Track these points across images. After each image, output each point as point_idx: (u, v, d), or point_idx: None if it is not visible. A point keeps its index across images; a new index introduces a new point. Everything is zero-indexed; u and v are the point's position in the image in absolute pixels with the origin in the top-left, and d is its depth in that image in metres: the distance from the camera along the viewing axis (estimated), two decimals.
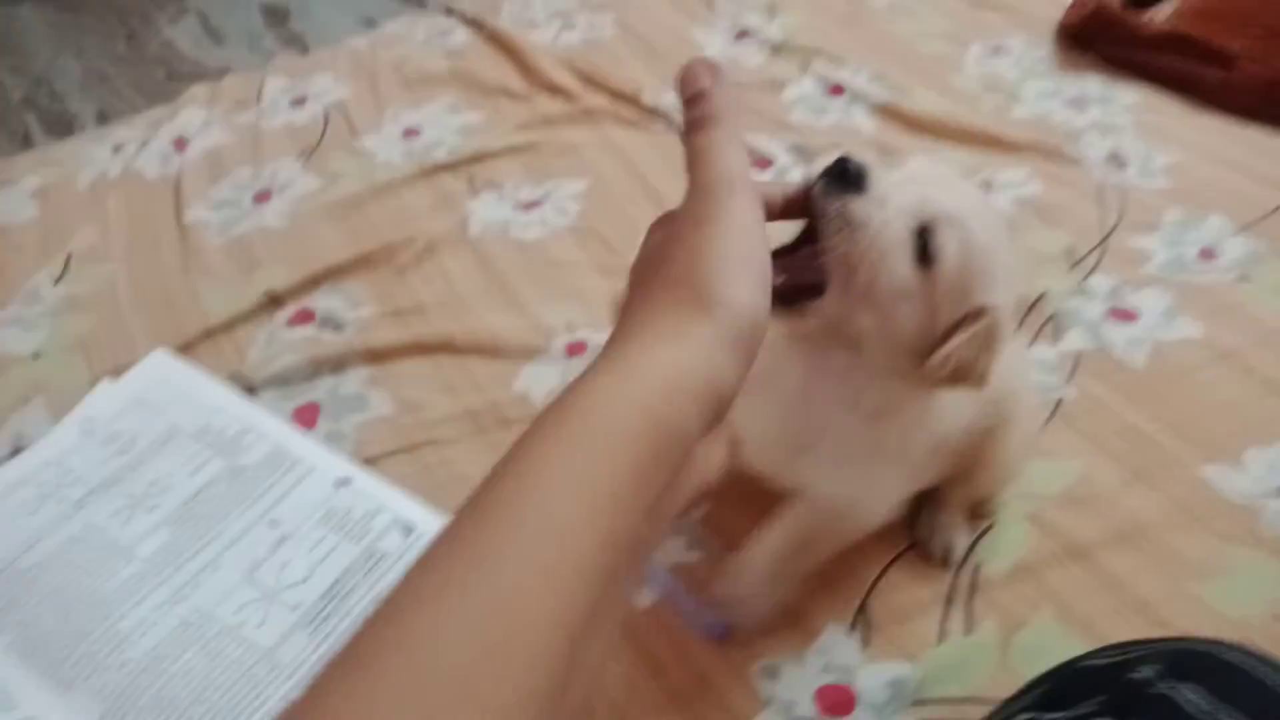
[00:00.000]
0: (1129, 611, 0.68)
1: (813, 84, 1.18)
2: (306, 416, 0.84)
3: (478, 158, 1.09)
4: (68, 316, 0.93)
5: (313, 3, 2.92)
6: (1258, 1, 1.14)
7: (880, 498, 0.63)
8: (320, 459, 0.77)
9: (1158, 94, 1.14)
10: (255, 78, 1.24)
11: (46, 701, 0.62)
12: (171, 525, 0.72)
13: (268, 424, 0.80)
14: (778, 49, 1.24)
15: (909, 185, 0.51)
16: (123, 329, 0.91)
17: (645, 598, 0.70)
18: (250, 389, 0.85)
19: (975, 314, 0.51)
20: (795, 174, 1.05)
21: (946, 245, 0.50)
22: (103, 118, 2.48)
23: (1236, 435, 0.79)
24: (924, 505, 0.72)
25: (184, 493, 0.74)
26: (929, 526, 0.73)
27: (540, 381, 0.86)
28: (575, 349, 0.88)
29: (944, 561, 0.72)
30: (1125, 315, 0.89)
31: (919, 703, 0.65)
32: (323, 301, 0.94)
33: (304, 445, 0.78)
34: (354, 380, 0.87)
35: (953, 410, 0.61)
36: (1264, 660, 0.44)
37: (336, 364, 0.87)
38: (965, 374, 0.52)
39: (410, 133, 1.14)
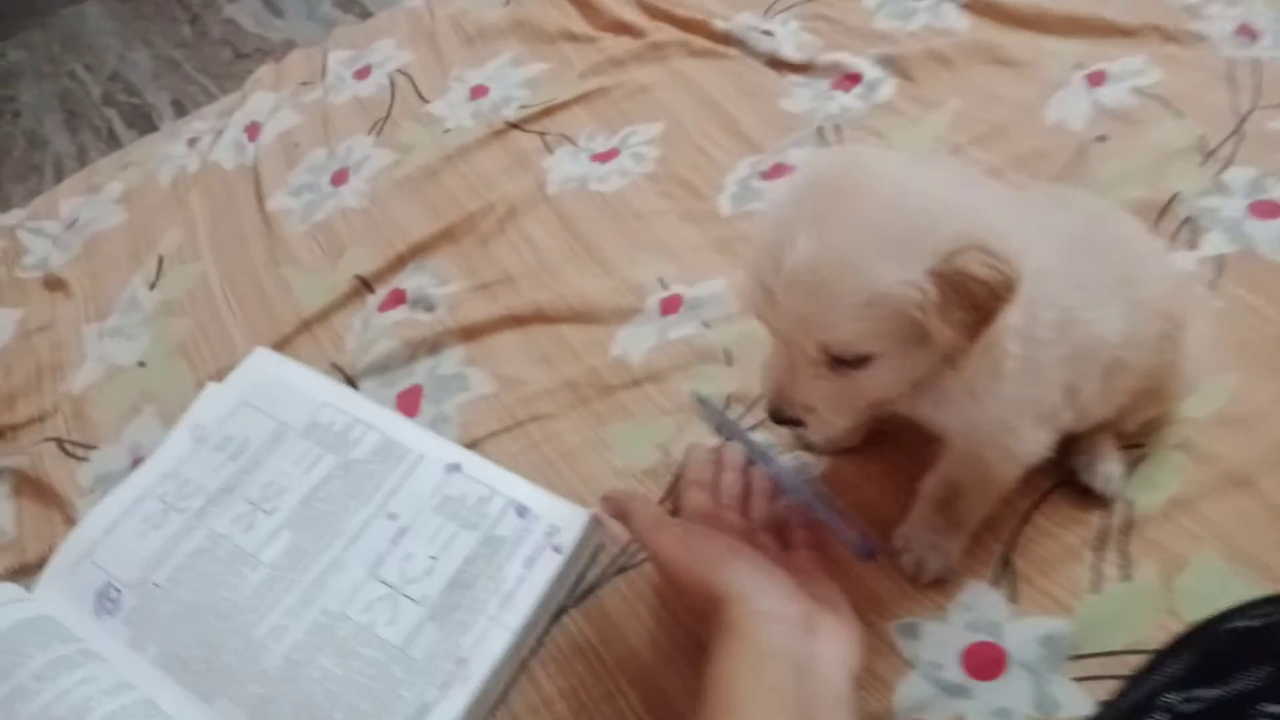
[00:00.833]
0: None
1: None
2: (409, 402, 0.83)
3: (548, 111, 1.05)
4: (166, 321, 0.94)
5: None
6: None
7: (1020, 426, 0.57)
8: (429, 445, 0.77)
9: None
10: (317, 53, 1.22)
11: (194, 714, 0.64)
12: (292, 527, 0.73)
13: (373, 414, 0.79)
14: None
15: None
16: (221, 329, 0.92)
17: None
18: (351, 380, 0.85)
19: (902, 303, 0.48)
20: (886, 89, 0.98)
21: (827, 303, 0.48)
22: (178, 105, 2.52)
23: None
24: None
25: (300, 492, 0.75)
26: (1085, 455, 0.67)
27: (637, 343, 0.83)
28: (670, 306, 0.84)
29: (1105, 492, 0.66)
30: (1270, 209, 0.80)
31: (1076, 658, 0.60)
32: (411, 281, 0.92)
33: (411, 433, 0.78)
34: (451, 360, 0.85)
35: (1097, 317, 0.56)
36: None
37: (433, 345, 0.86)
38: (974, 329, 0.49)
39: (477, 92, 1.10)
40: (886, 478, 0.70)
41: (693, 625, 0.65)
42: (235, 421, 0.80)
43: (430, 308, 0.89)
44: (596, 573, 0.70)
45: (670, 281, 0.86)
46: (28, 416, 0.89)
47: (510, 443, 0.79)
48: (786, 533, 0.67)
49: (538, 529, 0.71)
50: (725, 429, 0.75)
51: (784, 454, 0.73)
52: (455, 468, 0.75)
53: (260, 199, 1.03)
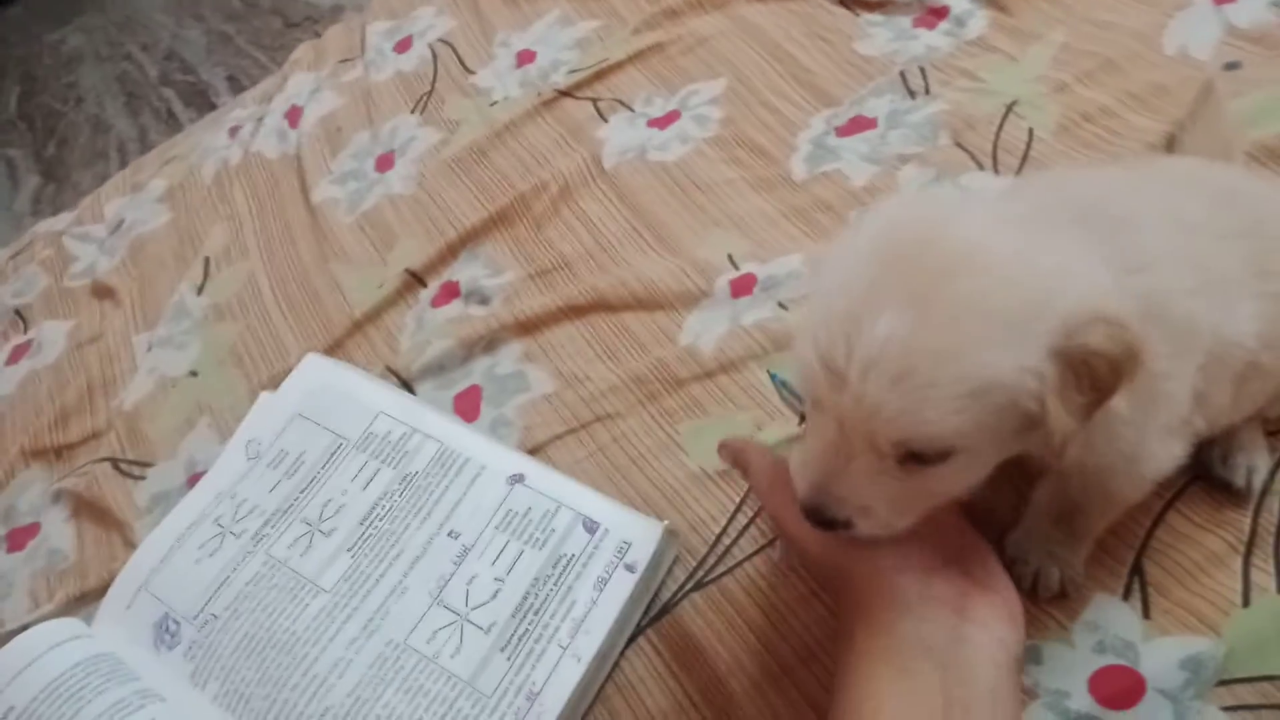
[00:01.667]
0: None
1: None
2: (468, 405, 0.78)
3: (600, 74, 0.97)
4: (216, 327, 0.90)
5: None
6: None
7: (1144, 449, 0.50)
8: (489, 455, 0.71)
9: None
10: (356, 26, 1.15)
11: None
12: (352, 549, 0.69)
13: (430, 421, 0.74)
14: None
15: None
16: (272, 333, 0.88)
17: None
18: (407, 383, 0.80)
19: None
20: (977, 22, 0.88)
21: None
22: (233, 81, 2.51)
23: None
24: None
25: (359, 511, 0.71)
26: (1221, 445, 0.58)
27: (708, 330, 0.75)
28: (741, 287, 0.77)
29: (1247, 488, 0.57)
30: None
31: (1227, 683, 0.52)
32: (464, 272, 0.86)
33: (470, 440, 0.73)
34: (509, 357, 0.80)
35: (1226, 319, 0.48)
36: None
37: (489, 342, 0.81)
38: (1091, 410, 0.43)
39: (524, 58, 1.03)
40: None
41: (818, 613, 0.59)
42: (290, 435, 0.76)
43: (485, 300, 0.83)
44: (673, 588, 0.65)
45: (741, 259, 0.79)
46: (81, 435, 0.87)
47: (576, 446, 0.73)
48: None
49: (608, 545, 0.65)
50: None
51: None
52: (518, 479, 0.70)
53: (305, 190, 0.98)
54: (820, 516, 0.47)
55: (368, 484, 0.72)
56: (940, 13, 0.89)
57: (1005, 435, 0.43)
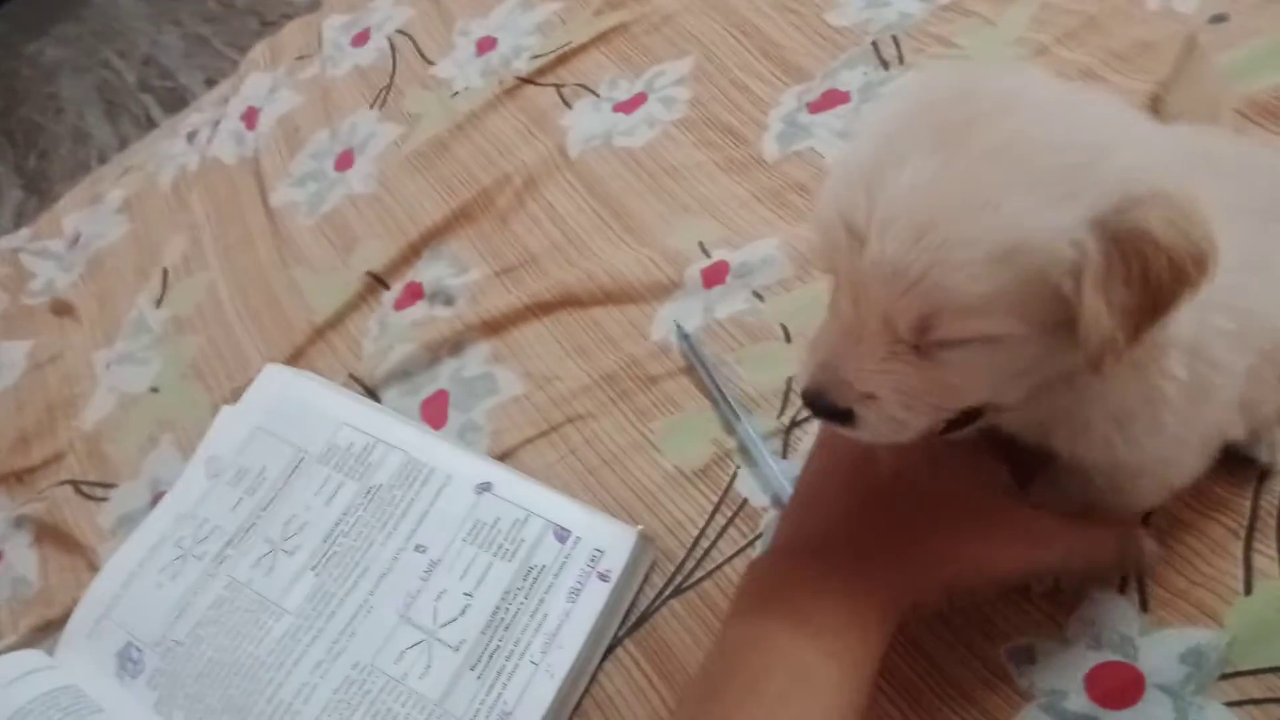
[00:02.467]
0: None
1: None
2: (435, 411, 0.75)
3: (562, 58, 0.94)
4: (176, 341, 0.87)
5: None
6: None
7: (1181, 458, 0.46)
8: (456, 463, 0.69)
9: None
10: (313, 21, 1.12)
11: None
12: (316, 568, 0.66)
13: (395, 431, 0.71)
14: None
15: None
16: (233, 344, 0.85)
17: None
18: (371, 391, 0.77)
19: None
20: None
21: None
22: (211, 84, 2.47)
23: None
24: None
25: (323, 527, 0.68)
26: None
27: (681, 323, 0.72)
28: (714, 275, 0.74)
29: (1272, 462, 0.53)
30: None
31: (1229, 675, 0.49)
32: (428, 272, 0.83)
33: (437, 449, 0.70)
34: (477, 359, 0.77)
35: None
36: None
37: (455, 344, 0.78)
38: (1140, 320, 0.35)
39: (484, 45, 0.99)
40: None
41: None
42: (251, 451, 0.74)
43: (450, 301, 0.80)
44: (651, 596, 0.62)
45: (713, 246, 0.76)
46: (42, 458, 0.84)
47: (547, 449, 0.70)
48: None
49: (581, 554, 0.62)
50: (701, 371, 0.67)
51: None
52: (486, 487, 0.67)
53: (263, 194, 0.95)
54: (822, 403, 0.41)
55: (331, 499, 0.69)
56: None
57: (1036, 326, 0.37)
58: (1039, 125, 0.36)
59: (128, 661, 0.66)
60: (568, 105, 0.91)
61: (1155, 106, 0.68)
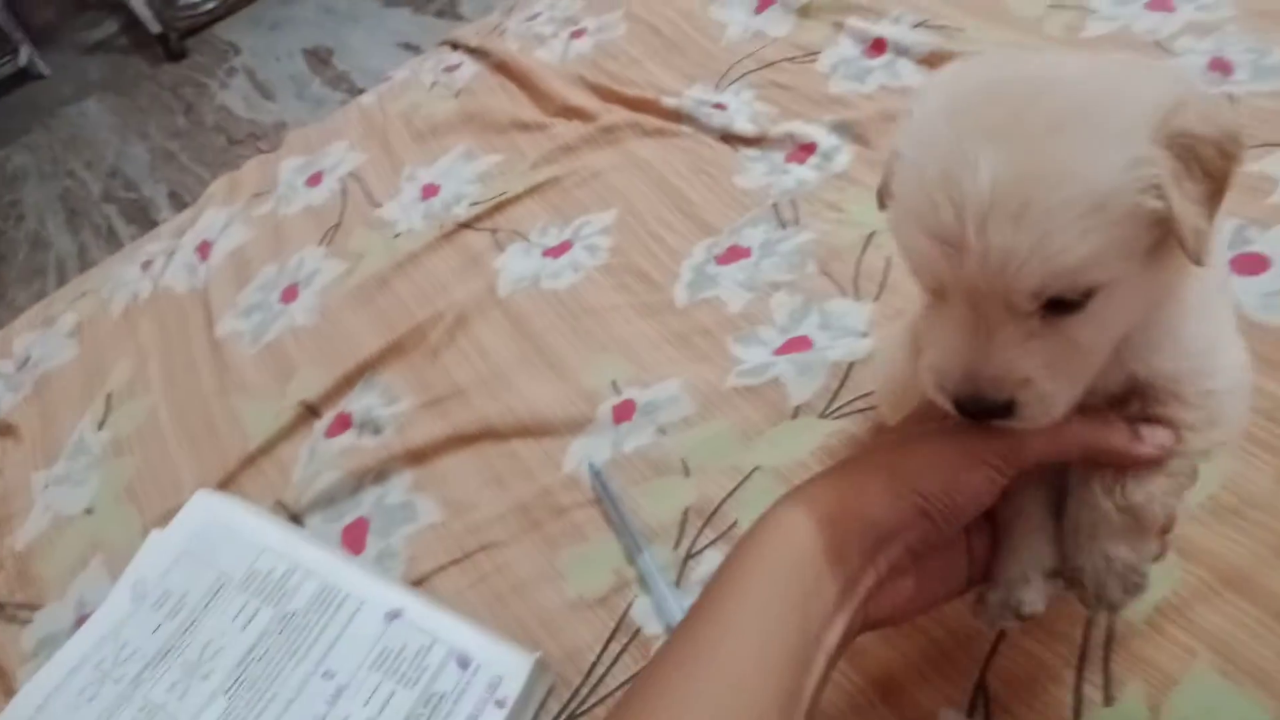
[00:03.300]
0: None
1: (850, 45, 1.05)
2: (355, 537, 0.79)
3: (499, 206, 1.02)
4: (114, 463, 0.91)
5: (350, 38, 2.92)
6: None
7: (1219, 357, 0.50)
8: (369, 590, 0.72)
9: None
10: (271, 160, 1.20)
11: None
12: (228, 691, 0.69)
13: (313, 557, 0.75)
14: (805, 10, 1.10)
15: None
16: (169, 468, 0.89)
17: None
18: (296, 517, 0.81)
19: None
20: (842, 157, 0.93)
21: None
22: (175, 197, 2.56)
23: None
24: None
25: (237, 652, 0.71)
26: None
27: (590, 456, 0.78)
28: (623, 413, 0.80)
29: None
30: (1255, 264, 0.72)
31: None
32: (358, 402, 0.88)
33: (352, 576, 0.73)
34: (399, 488, 0.81)
35: None
36: None
37: (379, 473, 0.82)
38: (1212, 202, 0.41)
39: (428, 191, 1.07)
40: None
41: None
42: (175, 574, 0.77)
43: (378, 430, 0.85)
44: None
45: (624, 385, 0.82)
46: None
47: (459, 576, 0.74)
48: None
49: (480, 681, 0.66)
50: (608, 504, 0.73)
51: None
52: (396, 614, 0.70)
53: (210, 323, 1.01)
54: (983, 405, 0.43)
55: (247, 624, 0.72)
56: (810, 148, 0.95)
57: (1140, 255, 0.41)
58: (1074, 88, 0.41)
59: None
60: (500, 249, 0.98)
61: None
